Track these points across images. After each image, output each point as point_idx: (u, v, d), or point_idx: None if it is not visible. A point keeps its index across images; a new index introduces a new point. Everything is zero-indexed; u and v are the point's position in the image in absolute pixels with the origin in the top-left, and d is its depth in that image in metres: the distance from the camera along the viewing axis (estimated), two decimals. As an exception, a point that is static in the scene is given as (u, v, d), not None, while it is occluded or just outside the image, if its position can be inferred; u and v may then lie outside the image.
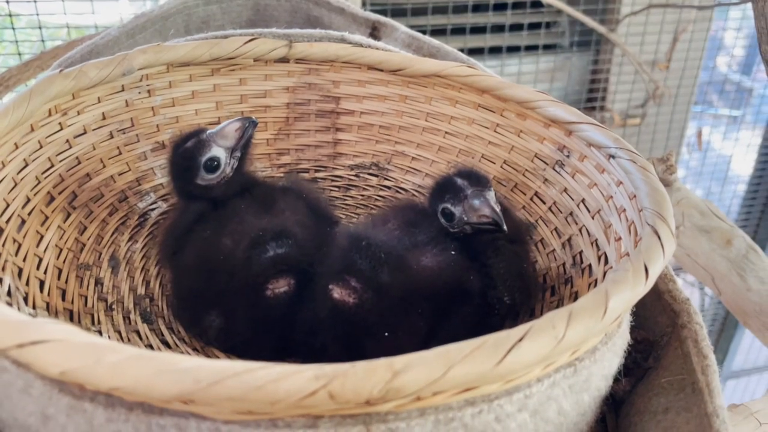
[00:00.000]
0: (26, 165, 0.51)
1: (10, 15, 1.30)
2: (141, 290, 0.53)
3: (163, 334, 0.50)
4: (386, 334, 0.46)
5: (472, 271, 0.50)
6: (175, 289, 0.52)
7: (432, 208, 0.54)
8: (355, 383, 0.29)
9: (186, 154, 0.53)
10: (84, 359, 0.29)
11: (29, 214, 0.50)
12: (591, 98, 1.66)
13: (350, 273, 0.46)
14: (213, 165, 0.53)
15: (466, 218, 0.51)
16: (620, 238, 0.48)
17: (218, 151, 0.53)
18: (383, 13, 1.37)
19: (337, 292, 0.45)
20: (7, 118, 0.48)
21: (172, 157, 0.54)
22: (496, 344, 0.31)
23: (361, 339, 0.46)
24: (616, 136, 0.52)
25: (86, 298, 0.50)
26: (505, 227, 0.49)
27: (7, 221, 0.47)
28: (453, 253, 0.50)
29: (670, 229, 0.40)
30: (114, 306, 0.50)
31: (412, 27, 0.84)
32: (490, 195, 0.51)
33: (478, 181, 0.53)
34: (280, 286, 0.47)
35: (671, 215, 0.42)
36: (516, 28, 1.52)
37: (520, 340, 0.31)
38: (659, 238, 0.39)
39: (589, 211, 0.54)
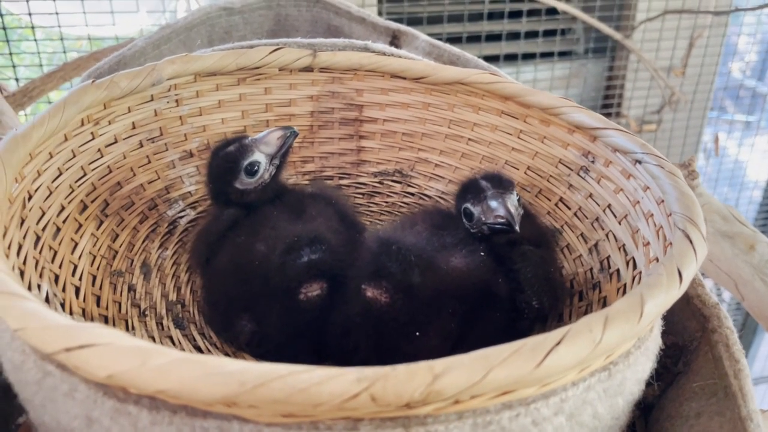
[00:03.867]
0: (60, 174, 0.52)
1: (32, 27, 1.32)
2: (173, 296, 0.54)
3: (195, 340, 0.50)
4: (417, 333, 0.46)
5: (500, 274, 0.50)
6: (206, 294, 0.53)
7: (456, 208, 0.55)
8: (396, 386, 0.29)
9: (228, 157, 0.55)
10: (130, 362, 0.30)
11: (64, 221, 0.50)
12: (607, 104, 1.66)
13: (382, 275, 0.46)
14: (253, 170, 0.55)
15: (483, 218, 0.52)
16: (648, 243, 0.48)
17: (259, 157, 0.55)
18: (399, 21, 1.38)
19: (370, 292, 0.46)
20: (43, 128, 0.49)
21: (212, 160, 0.56)
22: (534, 348, 0.31)
23: (392, 338, 0.46)
24: (642, 141, 0.53)
25: (120, 304, 0.51)
26: (517, 227, 0.50)
27: (43, 229, 0.48)
28: (482, 254, 0.50)
29: (701, 233, 0.41)
30: (147, 312, 0.51)
31: (427, 35, 0.85)
32: (510, 198, 0.52)
33: (500, 183, 0.53)
34: (314, 289, 0.47)
35: (702, 219, 0.42)
36: (531, 35, 1.52)
37: (558, 343, 0.31)
38: (691, 242, 0.39)
39: (615, 216, 0.54)
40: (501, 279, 0.50)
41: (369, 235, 0.54)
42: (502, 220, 0.50)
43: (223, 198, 0.56)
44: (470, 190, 0.54)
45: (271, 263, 0.48)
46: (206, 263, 0.53)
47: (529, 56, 1.55)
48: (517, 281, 0.50)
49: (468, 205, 0.53)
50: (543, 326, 0.51)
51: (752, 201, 2.10)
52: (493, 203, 0.51)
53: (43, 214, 0.49)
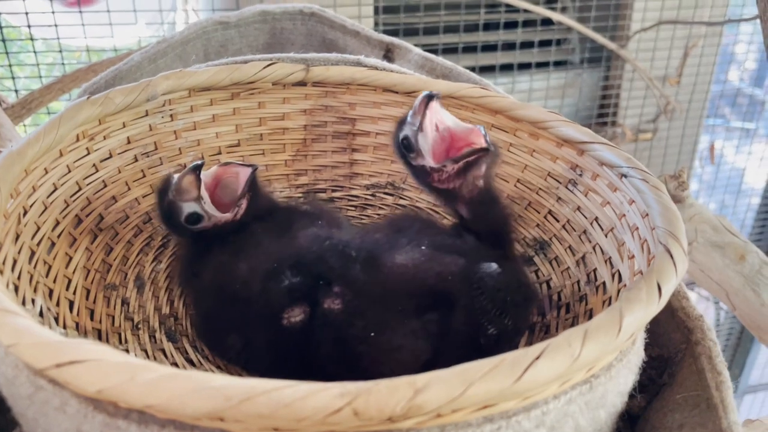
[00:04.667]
0: (55, 189, 0.52)
1: (32, 39, 1.34)
2: (166, 309, 0.55)
3: (187, 353, 0.51)
4: (372, 334, 0.47)
5: (456, 274, 0.50)
6: (195, 311, 0.53)
7: (398, 152, 0.55)
8: (378, 401, 0.30)
9: (165, 217, 0.53)
10: (119, 378, 0.30)
11: (59, 236, 0.51)
12: (602, 114, 1.67)
13: (331, 276, 0.48)
14: (194, 218, 0.52)
15: (415, 127, 0.51)
16: (633, 256, 0.49)
17: (190, 207, 0.52)
18: (396, 32, 1.40)
19: (325, 303, 0.47)
20: (38, 144, 0.50)
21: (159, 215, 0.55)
22: (513, 362, 0.32)
23: (354, 345, 0.47)
24: (628, 155, 0.53)
25: (113, 317, 0.51)
26: (438, 95, 0.50)
27: (38, 244, 0.49)
28: (424, 248, 0.51)
29: (682, 248, 0.41)
30: (140, 325, 0.52)
31: (423, 46, 0.86)
32: (424, 93, 0.51)
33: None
34: (296, 314, 0.47)
35: (683, 234, 0.43)
36: (527, 45, 1.53)
37: (537, 358, 0.32)
38: (672, 257, 0.40)
39: (602, 229, 0.55)
40: (453, 271, 0.49)
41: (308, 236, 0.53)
42: (425, 102, 0.50)
43: (196, 235, 0.54)
44: (400, 124, 0.54)
45: (254, 286, 0.48)
46: (192, 281, 0.53)
47: (524, 66, 1.56)
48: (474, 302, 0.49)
49: (400, 134, 0.53)
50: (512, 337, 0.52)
51: (750, 208, 2.11)
52: (415, 104, 0.51)
53: (38, 229, 0.49)
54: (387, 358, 0.47)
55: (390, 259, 0.50)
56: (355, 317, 0.47)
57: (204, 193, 0.51)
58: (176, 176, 0.52)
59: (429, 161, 0.52)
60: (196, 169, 0.51)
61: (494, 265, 0.49)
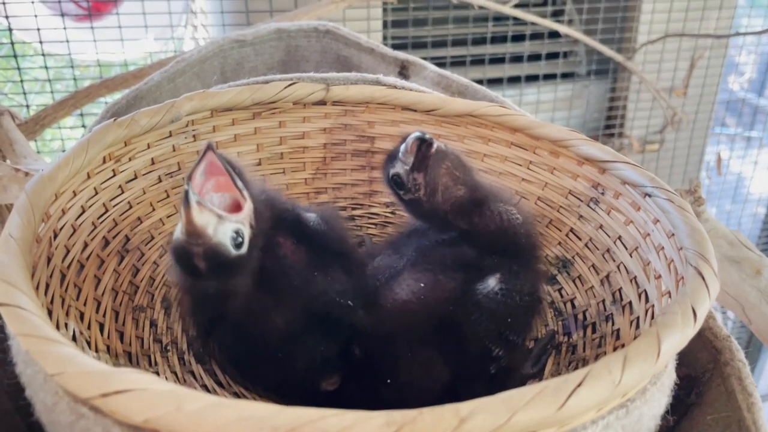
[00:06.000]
0: (83, 211, 0.53)
1: (43, 54, 1.34)
2: (193, 331, 0.55)
3: (216, 375, 0.51)
4: (388, 381, 0.48)
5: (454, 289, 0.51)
6: (221, 354, 0.51)
7: (389, 187, 0.56)
8: (423, 429, 0.30)
9: (200, 271, 0.43)
10: (166, 407, 0.31)
11: (87, 258, 0.52)
12: (609, 125, 1.68)
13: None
14: (238, 241, 0.43)
15: (407, 166, 0.52)
16: (660, 276, 0.49)
17: (223, 234, 0.42)
18: (404, 46, 1.41)
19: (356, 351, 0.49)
20: (68, 168, 0.50)
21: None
22: (556, 389, 0.32)
23: (378, 391, 0.48)
24: (652, 175, 0.54)
25: (142, 339, 0.52)
26: (428, 137, 0.50)
27: (68, 267, 0.49)
28: (424, 274, 0.52)
29: (713, 270, 0.42)
30: (169, 347, 0.52)
31: (432, 59, 0.87)
32: (415, 133, 0.51)
33: (407, 136, 0.53)
34: (332, 382, 0.48)
35: (713, 256, 0.43)
36: (534, 57, 1.54)
37: (579, 385, 0.32)
38: (704, 279, 0.41)
39: (626, 248, 0.55)
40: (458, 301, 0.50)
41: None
42: (417, 144, 0.50)
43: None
44: (387, 162, 0.55)
45: (287, 353, 0.47)
46: (211, 337, 0.50)
47: (532, 78, 1.57)
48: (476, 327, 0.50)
49: (390, 170, 0.54)
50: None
51: (756, 217, 2.11)
52: (401, 146, 0.52)
53: (68, 251, 0.50)
54: (409, 395, 0.48)
55: (391, 296, 0.51)
56: (372, 366, 0.48)
57: (219, 211, 0.43)
58: (179, 229, 0.42)
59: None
60: (197, 200, 0.41)
61: (492, 283, 0.50)
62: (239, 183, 0.45)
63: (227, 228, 0.42)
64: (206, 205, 0.41)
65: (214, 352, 0.52)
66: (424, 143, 0.50)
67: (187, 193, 0.40)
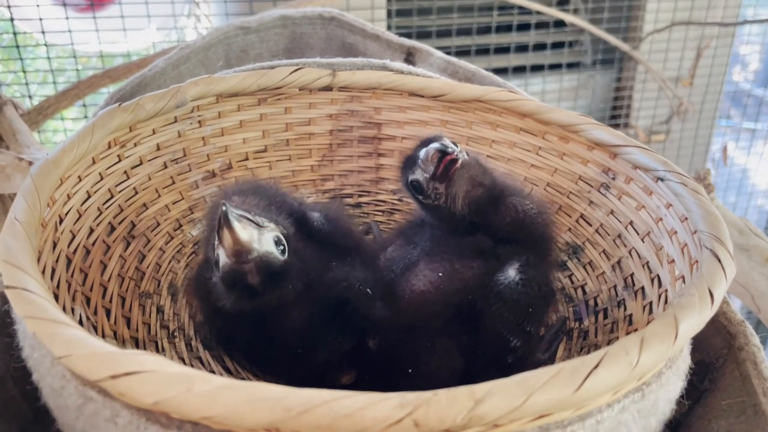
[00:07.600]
0: (89, 197, 0.52)
1: (46, 45, 1.34)
2: (200, 317, 0.54)
3: (224, 361, 0.51)
4: (409, 371, 0.47)
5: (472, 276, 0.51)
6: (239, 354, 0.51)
7: (409, 191, 0.55)
8: (438, 411, 0.30)
9: (254, 291, 0.43)
10: (176, 389, 0.30)
11: (93, 244, 0.51)
12: (615, 115, 1.66)
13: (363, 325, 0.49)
14: (281, 244, 0.44)
15: (427, 175, 0.51)
16: (673, 261, 0.48)
17: (267, 245, 0.43)
18: (408, 35, 1.40)
19: (369, 343, 0.48)
20: (73, 152, 0.50)
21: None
22: (572, 371, 0.31)
23: (392, 379, 0.48)
24: (664, 159, 0.53)
25: (149, 325, 0.51)
26: (456, 148, 0.49)
27: (74, 252, 0.48)
28: (442, 264, 0.51)
29: (729, 252, 0.41)
30: (176, 333, 0.52)
31: (436, 48, 0.86)
32: (435, 143, 0.51)
33: (427, 141, 0.52)
34: (349, 378, 0.48)
35: (728, 238, 0.42)
36: (539, 47, 1.53)
37: (596, 366, 0.32)
38: (720, 261, 0.40)
39: (638, 233, 0.54)
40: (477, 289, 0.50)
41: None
42: (439, 156, 0.50)
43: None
44: (407, 164, 0.54)
45: (302, 351, 0.47)
46: (228, 344, 0.51)
47: (537, 68, 1.56)
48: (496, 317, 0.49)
49: (409, 176, 0.53)
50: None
51: (761, 209, 2.10)
52: (422, 152, 0.51)
53: (74, 237, 0.49)
54: (426, 386, 0.47)
55: (408, 287, 0.50)
56: (388, 358, 0.48)
57: (257, 219, 0.44)
58: (222, 256, 0.42)
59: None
60: (237, 215, 0.42)
61: (512, 273, 0.49)
62: (260, 220, 0.44)
63: (268, 236, 0.43)
64: (245, 216, 0.42)
65: (230, 347, 0.52)
66: (445, 155, 0.50)
67: (225, 214, 0.40)
